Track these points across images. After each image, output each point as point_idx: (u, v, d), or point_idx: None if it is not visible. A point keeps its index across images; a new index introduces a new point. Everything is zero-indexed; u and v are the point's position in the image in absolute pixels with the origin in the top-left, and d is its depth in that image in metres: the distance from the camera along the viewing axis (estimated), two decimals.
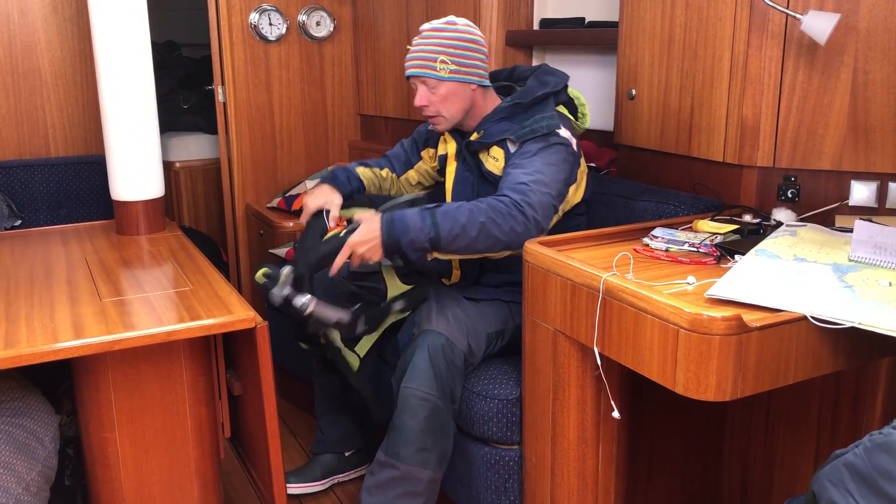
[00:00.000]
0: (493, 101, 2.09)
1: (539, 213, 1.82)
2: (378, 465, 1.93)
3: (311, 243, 2.02)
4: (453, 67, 1.99)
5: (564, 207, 2.01)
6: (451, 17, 2.05)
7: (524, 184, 1.85)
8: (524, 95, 2.04)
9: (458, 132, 2.13)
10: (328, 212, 2.11)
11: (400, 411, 1.88)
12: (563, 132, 1.97)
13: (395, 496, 1.90)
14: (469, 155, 2.09)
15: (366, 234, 1.82)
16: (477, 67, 2.03)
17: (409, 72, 2.04)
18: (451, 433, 1.92)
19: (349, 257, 1.85)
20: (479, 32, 2.05)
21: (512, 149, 1.99)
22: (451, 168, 2.15)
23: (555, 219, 1.96)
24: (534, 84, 2.06)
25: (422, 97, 2.04)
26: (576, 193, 2.03)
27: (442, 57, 1.98)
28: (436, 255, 1.82)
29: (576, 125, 2.10)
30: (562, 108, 2.09)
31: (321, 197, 2.14)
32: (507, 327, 2.06)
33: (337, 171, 2.23)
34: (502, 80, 2.17)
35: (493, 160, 2.04)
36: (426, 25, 2.04)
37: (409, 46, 2.06)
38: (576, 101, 2.14)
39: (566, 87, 2.10)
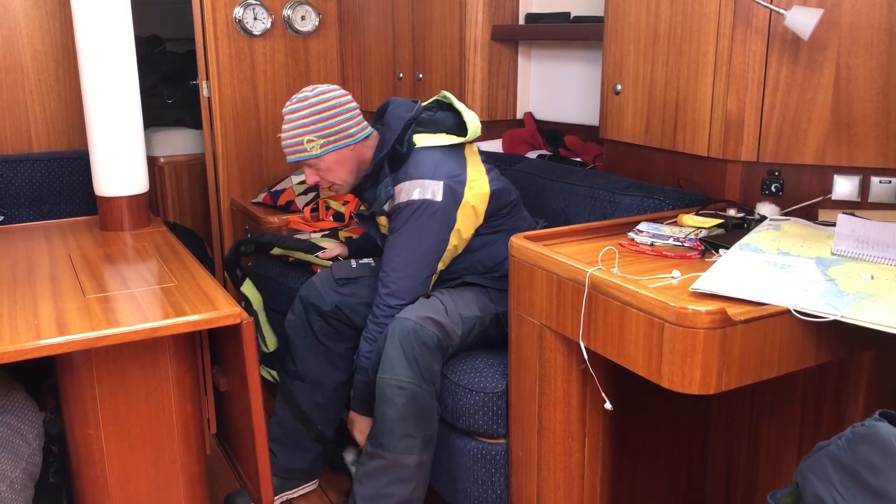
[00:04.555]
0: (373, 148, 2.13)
1: (402, 297, 1.99)
2: (367, 456, 1.95)
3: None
4: (322, 141, 2.04)
5: (463, 241, 2.05)
6: (304, 91, 2.07)
7: (385, 273, 2.02)
8: (374, 158, 2.08)
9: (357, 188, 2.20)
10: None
11: (379, 401, 1.91)
12: (415, 191, 1.96)
13: (385, 483, 1.92)
14: (370, 220, 2.17)
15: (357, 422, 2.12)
16: (345, 130, 2.06)
17: (287, 159, 2.10)
18: (435, 414, 1.93)
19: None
20: (335, 94, 2.07)
21: None
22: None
23: (452, 256, 2.05)
24: (383, 132, 2.09)
25: (310, 176, 2.12)
26: (467, 221, 2.02)
27: (308, 136, 2.03)
28: None
29: (459, 137, 2.06)
30: (427, 138, 2.05)
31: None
32: (486, 314, 2.05)
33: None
34: (380, 121, 2.17)
35: (384, 226, 2.14)
36: (286, 106, 2.08)
37: (278, 135, 2.12)
38: (445, 103, 2.14)
39: (407, 128, 2.04)
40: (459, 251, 2.07)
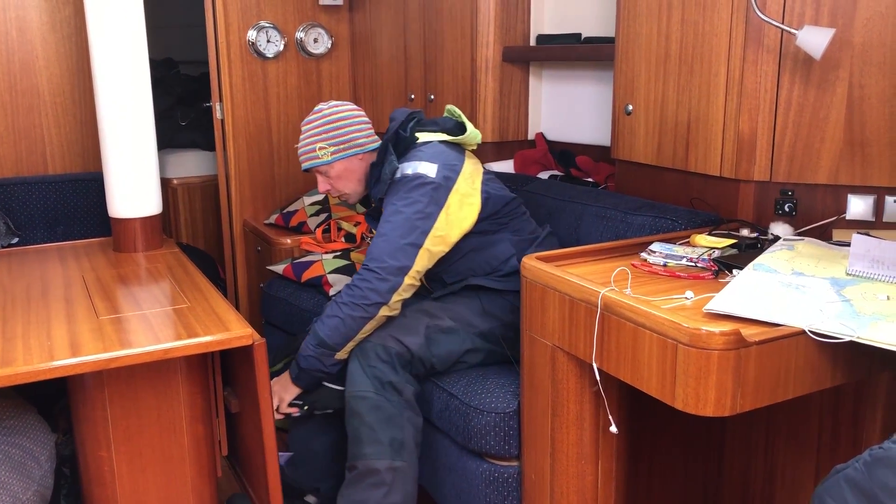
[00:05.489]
0: None
1: (382, 260, 1.96)
2: (347, 473, 2.00)
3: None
4: (333, 149, 2.16)
5: (453, 232, 2.04)
6: (321, 105, 2.22)
7: (370, 244, 2.03)
8: (378, 154, 2.15)
9: (366, 198, 2.29)
10: None
11: (348, 417, 1.97)
12: (409, 168, 2.04)
13: (361, 489, 1.96)
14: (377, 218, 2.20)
15: (281, 379, 2.11)
16: (355, 139, 2.18)
17: (302, 167, 2.22)
18: (404, 422, 1.96)
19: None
20: (347, 108, 2.21)
21: None
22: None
23: (440, 247, 2.02)
24: (387, 136, 2.16)
25: (322, 185, 2.23)
26: (459, 208, 2.04)
27: (319, 144, 2.16)
28: (337, 355, 2.00)
29: (461, 140, 2.16)
30: (429, 136, 2.14)
31: None
32: (469, 332, 2.06)
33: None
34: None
35: None
36: (304, 119, 2.22)
37: (295, 146, 2.27)
38: (452, 116, 2.20)
39: (409, 120, 2.17)
40: (451, 241, 2.05)
